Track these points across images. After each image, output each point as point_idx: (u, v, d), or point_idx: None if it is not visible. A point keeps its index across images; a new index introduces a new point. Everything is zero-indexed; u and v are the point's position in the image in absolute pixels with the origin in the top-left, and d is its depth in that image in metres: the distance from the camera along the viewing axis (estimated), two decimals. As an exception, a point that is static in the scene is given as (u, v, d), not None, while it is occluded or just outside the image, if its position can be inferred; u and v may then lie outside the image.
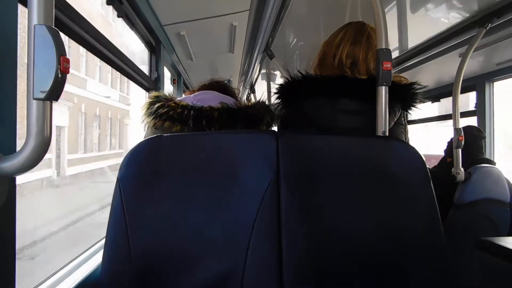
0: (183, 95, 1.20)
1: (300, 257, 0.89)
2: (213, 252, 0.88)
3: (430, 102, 3.54)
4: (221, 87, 1.28)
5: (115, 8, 1.68)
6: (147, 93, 2.20)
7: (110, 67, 1.65)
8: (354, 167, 0.95)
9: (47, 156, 0.68)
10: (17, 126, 0.73)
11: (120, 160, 0.93)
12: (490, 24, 1.81)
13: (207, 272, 0.88)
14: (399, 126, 1.20)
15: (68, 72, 0.62)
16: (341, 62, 1.21)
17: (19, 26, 0.74)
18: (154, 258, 0.88)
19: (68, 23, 1.15)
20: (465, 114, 3.03)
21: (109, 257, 0.89)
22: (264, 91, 4.14)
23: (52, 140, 0.65)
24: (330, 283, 0.90)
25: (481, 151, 2.46)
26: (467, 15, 1.85)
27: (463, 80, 2.09)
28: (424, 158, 0.97)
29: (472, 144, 2.38)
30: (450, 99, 2.23)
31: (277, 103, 1.22)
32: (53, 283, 1.08)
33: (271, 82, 3.90)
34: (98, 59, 1.51)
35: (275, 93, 1.21)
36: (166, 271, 0.88)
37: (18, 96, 0.73)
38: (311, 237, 0.89)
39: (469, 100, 3.22)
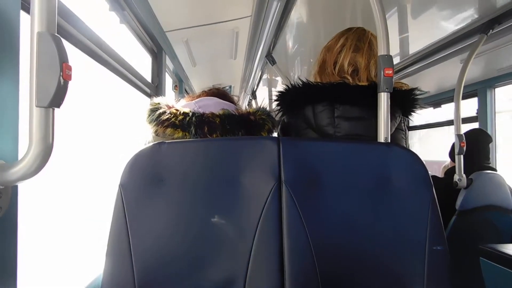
0: (183, 100, 1.20)
1: (302, 263, 0.89)
2: (215, 259, 0.88)
3: (432, 108, 3.54)
4: (221, 94, 1.28)
5: (118, 14, 1.69)
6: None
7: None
8: (356, 173, 0.95)
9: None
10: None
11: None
12: (491, 30, 1.81)
13: (210, 279, 0.87)
14: (400, 131, 1.20)
15: (70, 79, 0.63)
16: (342, 69, 1.21)
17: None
18: (156, 265, 0.88)
19: (71, 30, 1.16)
20: (466, 120, 3.03)
21: (111, 263, 0.88)
22: (265, 97, 4.15)
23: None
24: (331, 287, 0.90)
25: (487, 157, 2.43)
26: (469, 21, 1.85)
27: (464, 86, 2.09)
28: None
29: (478, 150, 2.36)
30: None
31: (277, 110, 1.22)
32: None
33: (272, 88, 3.91)
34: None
35: (275, 100, 1.21)
36: (168, 277, 0.87)
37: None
38: (314, 243, 0.89)
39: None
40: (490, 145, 2.48)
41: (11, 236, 0.74)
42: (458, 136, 2.11)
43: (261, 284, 0.87)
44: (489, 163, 2.41)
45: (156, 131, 1.03)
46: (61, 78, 0.60)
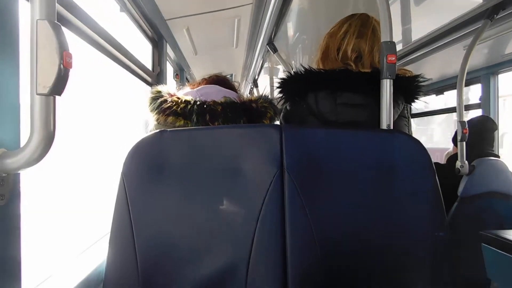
0: (186, 86, 1.20)
1: (305, 250, 0.89)
2: (217, 246, 0.88)
3: (434, 95, 3.52)
4: (221, 80, 1.27)
5: (118, 2, 1.68)
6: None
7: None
8: (358, 160, 0.95)
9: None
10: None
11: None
12: (495, 16, 1.79)
13: (212, 266, 0.88)
14: (403, 119, 1.19)
15: (71, 67, 0.63)
16: (346, 55, 1.20)
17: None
18: (159, 252, 0.88)
19: (71, 18, 1.15)
20: (469, 107, 3.02)
21: (114, 252, 0.89)
22: (266, 85, 4.14)
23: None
24: (334, 276, 0.91)
25: (491, 144, 2.42)
26: (473, 6, 1.83)
27: (467, 73, 2.07)
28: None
29: (483, 138, 2.36)
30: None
31: (279, 97, 1.22)
32: (59, 277, 1.09)
33: (273, 76, 3.90)
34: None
35: (277, 87, 1.21)
36: (171, 266, 0.88)
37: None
38: (316, 230, 0.89)
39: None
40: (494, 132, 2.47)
41: (14, 224, 0.74)
42: (461, 122, 2.10)
43: (263, 272, 0.88)
44: (493, 150, 2.41)
45: (157, 119, 1.03)
46: (61, 66, 0.60)
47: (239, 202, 0.90)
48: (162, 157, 0.90)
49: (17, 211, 0.74)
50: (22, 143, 0.63)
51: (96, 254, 1.27)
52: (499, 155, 2.42)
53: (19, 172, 0.68)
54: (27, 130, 0.63)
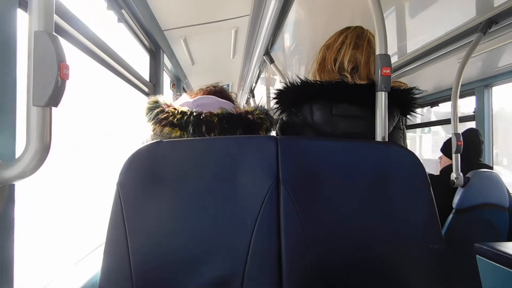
0: (185, 94, 1.20)
1: (300, 261, 0.89)
2: (213, 257, 0.88)
3: (429, 107, 3.55)
4: (218, 91, 1.28)
5: (115, 13, 1.69)
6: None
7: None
8: (353, 172, 0.95)
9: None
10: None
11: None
12: (488, 30, 1.82)
13: (207, 276, 0.87)
14: (398, 131, 1.20)
15: (68, 78, 0.63)
16: (342, 66, 1.21)
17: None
18: (154, 263, 0.88)
19: (68, 29, 1.15)
20: (464, 119, 3.04)
21: (109, 263, 0.88)
22: (263, 95, 4.15)
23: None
24: (330, 286, 0.90)
25: (480, 155, 2.45)
26: (466, 20, 1.86)
27: (462, 85, 2.09)
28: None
29: (473, 149, 2.38)
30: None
31: (275, 108, 1.23)
32: None
33: (270, 87, 3.92)
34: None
35: (274, 98, 1.21)
36: (166, 276, 0.88)
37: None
38: (311, 241, 0.89)
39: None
40: (487, 143, 2.50)
41: (7, 235, 0.74)
42: (455, 134, 2.12)
43: (259, 282, 0.88)
44: (481, 161, 2.44)
45: (154, 130, 1.03)
46: (58, 77, 0.60)
47: (235, 213, 0.90)
48: (158, 168, 0.90)
49: (11, 221, 0.74)
50: (18, 154, 0.63)
51: (90, 264, 1.26)
52: (493, 166, 2.45)
53: (14, 183, 0.68)
54: (23, 141, 0.63)
